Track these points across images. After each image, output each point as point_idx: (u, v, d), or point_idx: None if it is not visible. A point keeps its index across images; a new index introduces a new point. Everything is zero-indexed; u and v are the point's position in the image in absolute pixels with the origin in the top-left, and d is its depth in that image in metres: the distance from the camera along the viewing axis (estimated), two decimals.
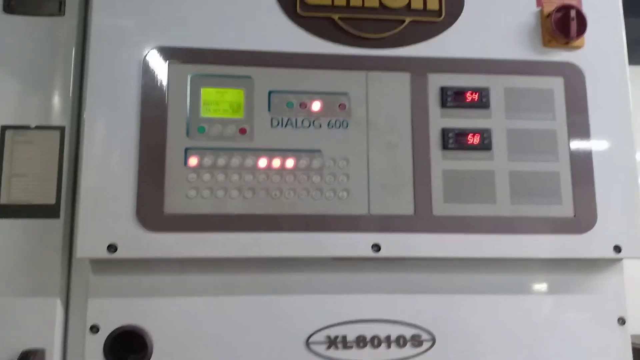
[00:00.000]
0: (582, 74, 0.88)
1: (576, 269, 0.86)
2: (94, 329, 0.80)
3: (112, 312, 0.81)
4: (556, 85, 0.87)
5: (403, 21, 0.87)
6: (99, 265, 0.81)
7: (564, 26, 0.87)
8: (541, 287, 0.86)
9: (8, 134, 0.83)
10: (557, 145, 0.85)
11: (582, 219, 0.84)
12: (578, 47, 0.88)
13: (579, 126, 0.86)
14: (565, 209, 0.84)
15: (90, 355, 0.80)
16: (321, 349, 0.83)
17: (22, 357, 0.78)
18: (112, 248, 0.77)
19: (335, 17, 0.86)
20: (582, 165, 0.85)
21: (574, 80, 0.87)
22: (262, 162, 0.82)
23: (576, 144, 0.86)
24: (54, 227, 0.82)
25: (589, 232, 0.83)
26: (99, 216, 0.78)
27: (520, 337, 0.84)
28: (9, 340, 0.80)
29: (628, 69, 0.90)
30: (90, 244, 0.77)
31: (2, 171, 0.82)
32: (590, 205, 0.84)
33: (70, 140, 0.84)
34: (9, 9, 0.86)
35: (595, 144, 0.86)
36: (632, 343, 1.22)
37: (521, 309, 0.85)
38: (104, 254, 0.77)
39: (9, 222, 0.82)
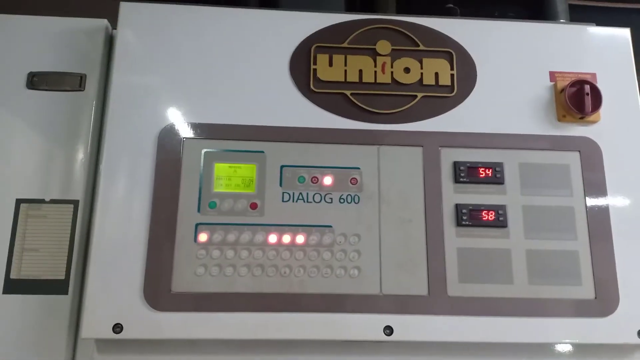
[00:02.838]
0: (599, 148, 0.86)
1: (600, 354, 0.82)
2: None
3: None
4: (572, 160, 0.85)
5: (415, 96, 0.88)
6: (104, 344, 0.79)
7: (578, 101, 0.86)
8: None
9: (22, 207, 0.84)
10: (575, 222, 0.83)
11: (604, 301, 0.80)
12: (594, 122, 0.87)
13: (598, 203, 0.84)
14: (585, 290, 0.80)
15: None
16: None
17: None
18: (117, 328, 0.76)
19: (348, 92, 0.87)
20: (601, 243, 0.82)
21: (591, 155, 0.86)
22: (272, 238, 0.81)
23: (595, 222, 0.83)
24: (62, 303, 0.81)
25: (612, 316, 0.79)
26: (106, 294, 0.77)
27: None
28: None
29: None
30: (96, 323, 0.76)
31: (14, 245, 0.83)
32: (611, 286, 0.80)
33: (83, 214, 0.84)
34: (31, 85, 0.89)
35: (614, 222, 0.83)
36: None
37: None
38: (109, 334, 0.76)
39: (18, 298, 0.81)
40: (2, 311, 0.80)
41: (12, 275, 0.82)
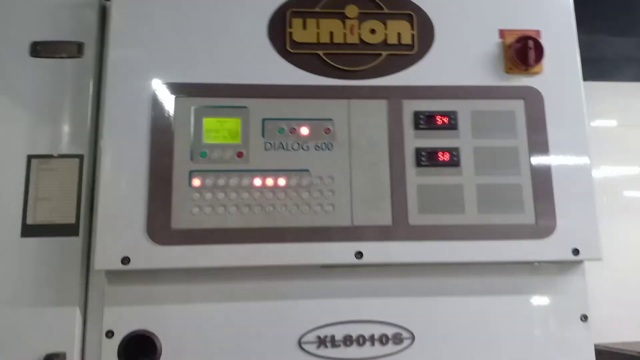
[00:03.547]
0: (541, 96, 0.98)
1: (541, 272, 0.96)
2: (109, 334, 0.90)
3: (126, 318, 0.90)
4: (517, 107, 0.98)
5: (380, 55, 0.99)
6: (113, 276, 0.91)
7: (523, 55, 0.98)
8: (509, 288, 0.95)
9: (33, 162, 0.95)
10: (519, 160, 0.96)
11: (543, 225, 0.93)
12: (537, 73, 1.00)
13: (539, 143, 0.97)
14: (527, 217, 0.94)
15: (106, 357, 0.89)
16: (312, 347, 0.92)
17: (47, 359, 0.88)
18: (125, 260, 0.88)
19: (321, 52, 0.98)
20: (542, 177, 0.95)
21: (534, 101, 0.98)
22: (257, 182, 0.93)
23: (536, 159, 0.96)
24: (74, 244, 0.93)
25: (549, 237, 0.93)
26: (113, 233, 0.88)
27: (489, 335, 0.93)
28: (34, 345, 0.89)
29: (583, 88, 1.00)
30: (106, 257, 0.88)
31: (28, 195, 0.94)
32: (549, 213, 0.94)
33: (88, 167, 0.96)
34: (35, 53, 0.98)
35: (553, 158, 0.96)
36: (619, 349, 1.30)
37: (490, 309, 0.94)
38: (118, 265, 0.88)
39: (34, 241, 0.93)
40: (21, 253, 0.92)
41: (28, 221, 0.93)
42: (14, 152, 0.94)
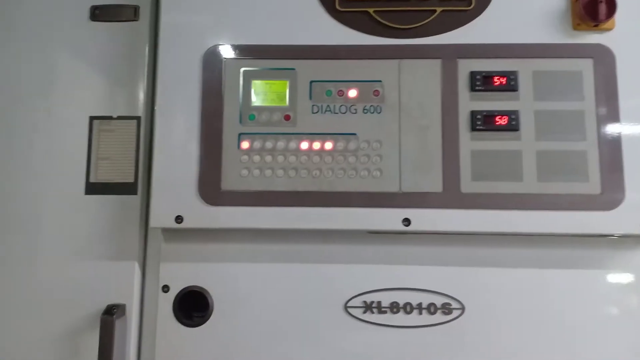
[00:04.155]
0: (613, 55, 0.89)
1: (604, 246, 0.90)
2: (165, 288, 0.95)
3: (180, 275, 0.95)
4: (585, 67, 0.90)
5: (434, 11, 0.93)
6: (169, 234, 0.95)
7: (592, 9, 0.89)
8: (568, 262, 0.90)
9: (95, 123, 1.00)
10: (585, 125, 0.89)
11: (609, 196, 0.87)
12: (608, 29, 0.90)
13: (609, 107, 0.89)
14: (592, 186, 0.87)
15: (162, 310, 0.95)
16: (358, 312, 0.93)
17: (108, 310, 0.95)
18: (179, 219, 0.92)
19: (371, 10, 0.94)
20: (610, 145, 0.88)
21: (604, 61, 0.89)
22: (304, 145, 0.92)
23: (605, 125, 0.89)
24: (133, 202, 0.98)
25: (616, 209, 0.86)
26: (167, 193, 0.92)
27: (544, 310, 0.90)
28: (97, 297, 0.96)
29: None
30: (161, 216, 0.92)
31: (90, 155, 0.99)
32: (618, 183, 0.87)
33: (145, 128, 0.99)
34: (94, 17, 1.02)
35: (625, 124, 0.88)
36: None
37: (547, 283, 0.90)
38: (172, 224, 0.91)
39: (97, 198, 0.98)
40: (85, 209, 0.98)
41: (91, 180, 0.99)
42: (77, 114, 1.00)
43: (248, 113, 0.93)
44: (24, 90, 1.01)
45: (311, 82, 0.93)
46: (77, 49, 1.01)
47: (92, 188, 0.98)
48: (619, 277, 0.89)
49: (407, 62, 0.92)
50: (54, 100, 1.00)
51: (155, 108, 0.96)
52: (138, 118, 0.99)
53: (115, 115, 1.00)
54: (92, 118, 1.00)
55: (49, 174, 0.99)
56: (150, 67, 1.01)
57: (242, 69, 0.94)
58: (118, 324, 0.93)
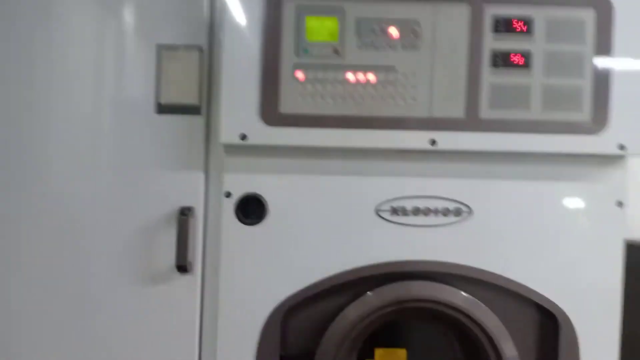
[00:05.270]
0: (612, 6, 1.06)
1: (588, 162, 1.12)
2: (228, 194, 1.14)
3: (241, 183, 1.13)
4: (588, 15, 1.07)
5: None
6: (230, 149, 1.12)
7: None
8: (558, 175, 1.12)
9: (162, 51, 1.12)
10: (584, 64, 1.07)
11: (596, 123, 1.08)
12: None
13: (604, 49, 1.07)
14: (584, 115, 1.08)
15: (225, 213, 1.14)
16: (386, 215, 1.14)
17: (181, 211, 1.13)
18: (243, 137, 1.08)
19: None
20: (602, 81, 1.07)
21: (604, 11, 1.07)
22: (350, 76, 1.08)
23: (599, 64, 1.07)
24: (198, 121, 1.14)
25: (600, 134, 1.08)
26: (233, 114, 1.08)
27: (536, 214, 1.12)
28: (170, 200, 1.14)
29: None
30: (228, 133, 1.09)
31: (160, 79, 1.13)
32: (604, 112, 1.07)
33: (207, 57, 1.13)
34: None
35: (615, 64, 1.07)
36: None
37: (542, 192, 1.12)
38: (238, 141, 1.08)
39: (167, 117, 1.14)
40: (157, 127, 1.14)
41: (161, 101, 1.13)
42: (147, 42, 1.12)
43: (303, 47, 1.08)
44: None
45: (358, 19, 1.07)
46: None
47: (162, 108, 1.13)
48: (601, 188, 1.13)
49: (441, 5, 1.07)
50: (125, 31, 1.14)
51: (223, 38, 1.08)
52: (200, 47, 1.12)
53: (180, 44, 1.12)
54: (159, 46, 1.12)
55: (125, 97, 1.14)
56: (209, 1, 1.13)
57: (298, 5, 1.07)
58: (190, 222, 1.12)
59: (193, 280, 1.14)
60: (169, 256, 1.12)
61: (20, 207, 1.15)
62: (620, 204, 1.13)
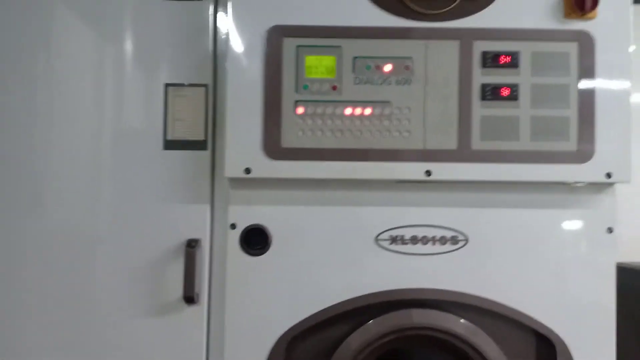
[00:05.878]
0: (593, 39, 1.13)
1: (578, 191, 1.17)
2: (233, 226, 1.18)
3: (245, 215, 1.18)
4: (572, 49, 1.13)
5: (456, 0, 1.14)
6: (235, 182, 1.17)
7: (581, 1, 1.11)
8: (549, 203, 1.17)
9: (170, 89, 1.18)
10: (569, 95, 1.13)
11: (583, 152, 1.13)
12: (591, 18, 1.13)
13: (587, 80, 1.13)
14: (571, 144, 1.13)
15: (230, 244, 1.18)
16: (386, 244, 1.18)
17: (188, 243, 1.17)
18: (247, 170, 1.13)
19: None
20: (587, 110, 1.13)
21: (586, 45, 1.13)
22: (348, 111, 1.14)
23: (583, 94, 1.13)
24: (204, 156, 1.19)
25: (588, 162, 1.13)
26: (238, 149, 1.13)
27: (529, 240, 1.17)
28: (177, 232, 1.19)
29: (632, 32, 1.13)
30: (233, 167, 1.14)
31: (167, 116, 1.18)
32: (590, 141, 1.13)
33: (212, 95, 1.18)
34: None
35: (599, 94, 1.13)
36: None
37: (532, 220, 1.17)
38: (242, 174, 1.13)
39: (173, 153, 1.19)
40: (164, 162, 1.19)
41: (168, 137, 1.19)
42: (155, 82, 1.18)
43: (302, 83, 1.14)
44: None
45: (354, 57, 1.14)
46: (152, 28, 1.19)
47: (169, 144, 1.19)
48: (592, 214, 1.17)
49: (432, 43, 1.14)
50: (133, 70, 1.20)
51: (227, 76, 1.14)
52: (206, 85, 1.18)
53: (186, 83, 1.18)
54: (166, 85, 1.18)
55: (134, 133, 1.19)
56: (214, 41, 1.19)
57: (297, 46, 1.13)
58: (196, 254, 1.16)
59: (200, 310, 1.18)
60: (177, 287, 1.16)
61: (29, 239, 1.19)
62: (610, 230, 1.17)
